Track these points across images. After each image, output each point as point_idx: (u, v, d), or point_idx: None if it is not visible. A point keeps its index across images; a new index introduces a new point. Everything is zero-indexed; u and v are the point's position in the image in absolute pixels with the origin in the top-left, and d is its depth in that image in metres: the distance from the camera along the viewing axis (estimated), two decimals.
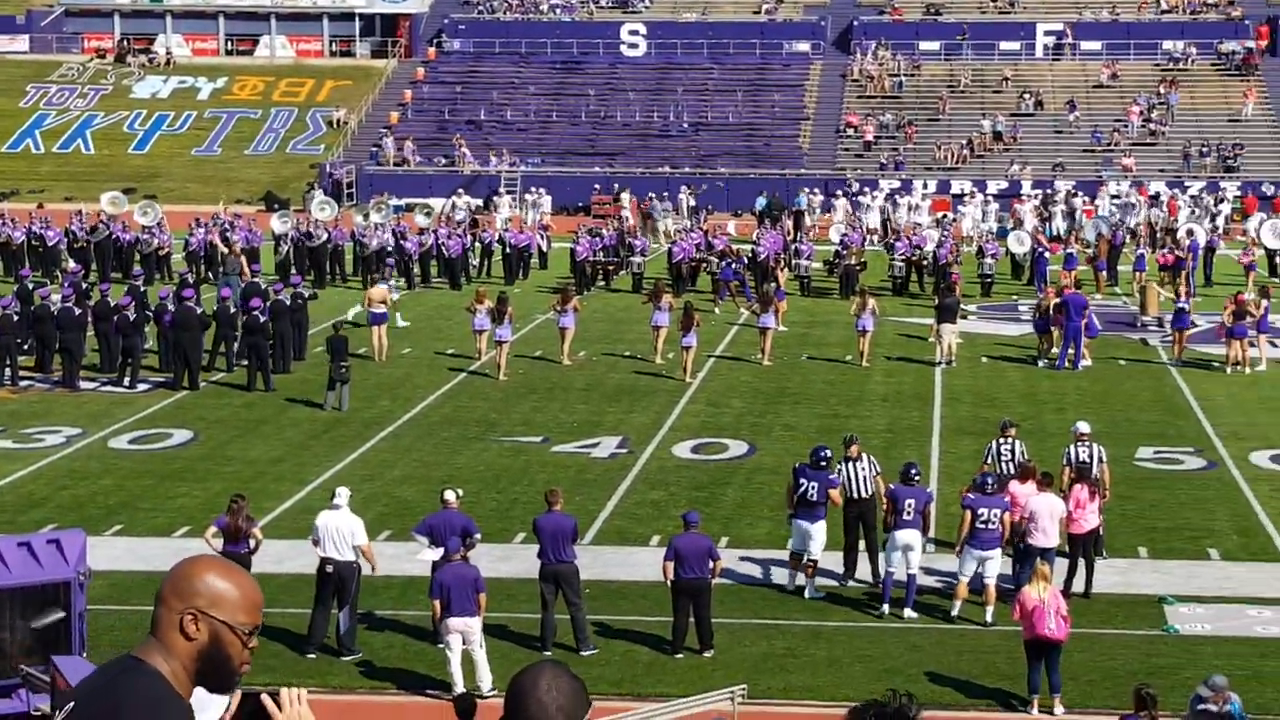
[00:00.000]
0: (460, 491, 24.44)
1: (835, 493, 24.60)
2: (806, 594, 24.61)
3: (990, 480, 24.11)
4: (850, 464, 25.35)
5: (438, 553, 22.26)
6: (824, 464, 24.76)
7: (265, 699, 5.00)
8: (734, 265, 51.83)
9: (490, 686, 20.91)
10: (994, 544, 23.51)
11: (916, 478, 24.45)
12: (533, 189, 75.54)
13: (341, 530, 22.66)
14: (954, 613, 23.76)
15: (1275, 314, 43.57)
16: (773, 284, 45.84)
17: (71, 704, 4.80)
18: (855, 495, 25.17)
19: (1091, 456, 26.51)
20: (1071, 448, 26.80)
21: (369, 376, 39.95)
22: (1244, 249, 56.27)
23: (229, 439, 34.63)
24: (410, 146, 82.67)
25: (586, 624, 22.66)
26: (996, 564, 23.63)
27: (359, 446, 33.44)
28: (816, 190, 74.84)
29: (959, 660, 22.14)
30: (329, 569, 22.58)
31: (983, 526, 23.47)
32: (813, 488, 24.45)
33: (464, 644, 21.02)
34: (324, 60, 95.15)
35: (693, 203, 72.99)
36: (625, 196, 72.65)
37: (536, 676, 4.87)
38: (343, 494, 23.38)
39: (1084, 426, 27.62)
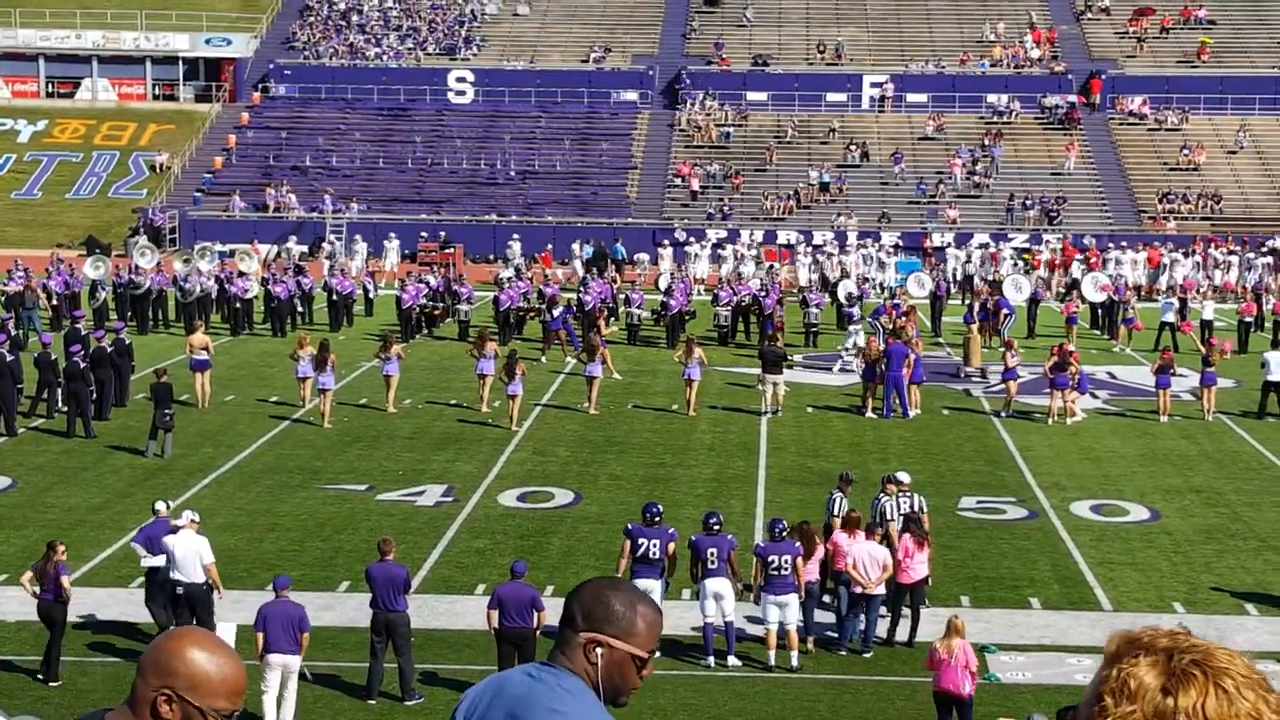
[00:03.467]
0: (171, 503, 25.63)
1: (673, 547, 24.44)
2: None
3: (779, 527, 24.29)
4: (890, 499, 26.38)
5: (160, 560, 23.57)
6: (657, 520, 24.62)
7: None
8: (564, 315, 51.80)
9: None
10: (787, 589, 23.68)
11: (717, 527, 24.44)
12: (391, 235, 75.00)
13: (188, 551, 23.25)
14: (771, 661, 23.82)
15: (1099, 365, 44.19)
16: (597, 333, 45.88)
17: None
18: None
19: (913, 505, 26.82)
20: (885, 498, 27.10)
21: (192, 423, 39.43)
22: (1067, 301, 57.12)
23: (48, 485, 33.99)
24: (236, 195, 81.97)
25: (413, 674, 22.50)
26: (794, 609, 23.81)
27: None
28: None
29: (783, 709, 22.15)
30: (179, 591, 23.17)
31: (775, 573, 23.64)
32: (653, 545, 24.28)
33: (281, 683, 21.10)
34: (147, 104, 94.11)
35: (518, 257, 72.84)
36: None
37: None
38: (186, 516, 23.99)
39: (904, 476, 27.93)
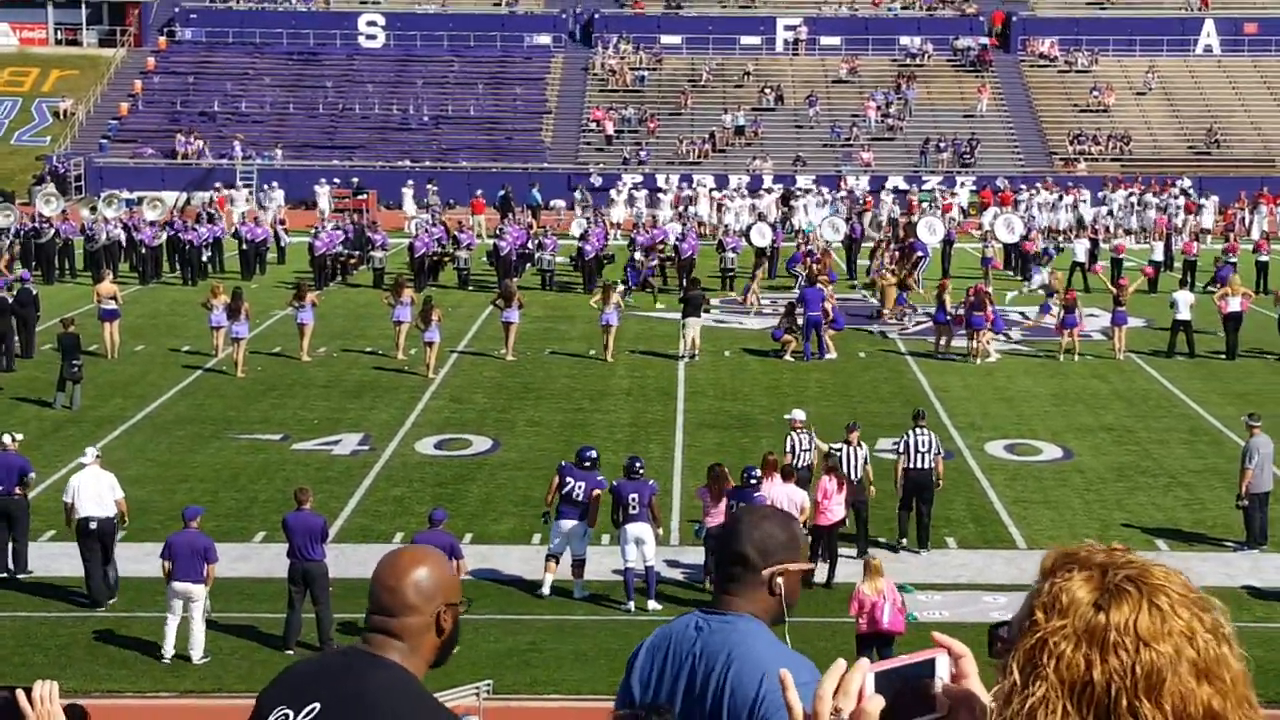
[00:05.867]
0: (19, 436, 26.04)
1: (598, 494, 24.43)
2: (576, 594, 24.41)
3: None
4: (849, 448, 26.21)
5: None
6: (589, 464, 24.65)
7: (19, 695, 4.97)
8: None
9: (202, 655, 21.77)
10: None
11: (640, 471, 24.46)
12: (321, 180, 74.33)
13: (100, 486, 23.93)
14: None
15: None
16: (515, 279, 45.64)
17: (317, 705, 4.63)
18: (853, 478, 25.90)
19: (807, 443, 27.39)
20: (791, 436, 27.36)
21: (101, 374, 38.99)
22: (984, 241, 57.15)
23: None
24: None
25: (332, 623, 22.41)
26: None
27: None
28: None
29: None
30: (92, 525, 23.64)
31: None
32: (579, 487, 24.31)
33: (184, 611, 21.75)
34: (49, 49, 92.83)
35: (435, 199, 72.41)
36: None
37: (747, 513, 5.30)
38: (90, 452, 24.82)
39: (799, 414, 28.39)
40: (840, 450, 26.32)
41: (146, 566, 23.46)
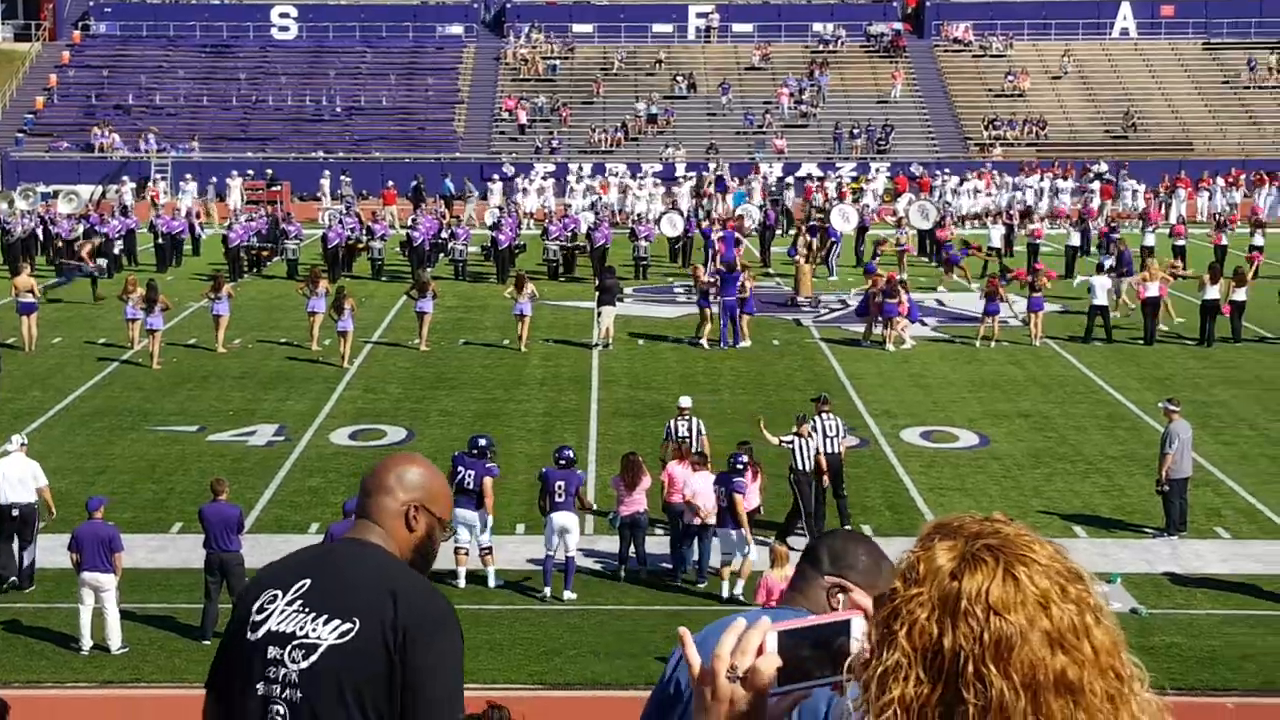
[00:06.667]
0: None
1: (489, 482, 24.63)
2: (490, 582, 24.61)
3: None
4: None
5: None
6: (478, 452, 24.84)
7: None
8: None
9: (120, 645, 22.02)
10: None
11: (565, 462, 24.69)
12: (234, 173, 73.71)
13: (23, 474, 24.51)
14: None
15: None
16: (429, 269, 45.66)
17: (307, 580, 4.76)
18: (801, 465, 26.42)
19: (691, 430, 27.85)
20: (673, 421, 28.13)
21: (18, 367, 38.92)
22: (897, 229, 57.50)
23: None
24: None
25: None
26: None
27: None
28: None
29: (619, 640, 22.38)
30: (14, 513, 24.21)
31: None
32: (469, 475, 24.51)
33: (96, 601, 22.01)
34: None
35: (349, 190, 72.20)
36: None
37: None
38: (15, 440, 25.33)
39: (685, 400, 28.90)
40: (792, 442, 26.68)
41: (63, 558, 23.56)
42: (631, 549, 25.00)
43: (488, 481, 24.59)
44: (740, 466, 24.58)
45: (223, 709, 4.79)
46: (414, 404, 36.33)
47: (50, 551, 24.75)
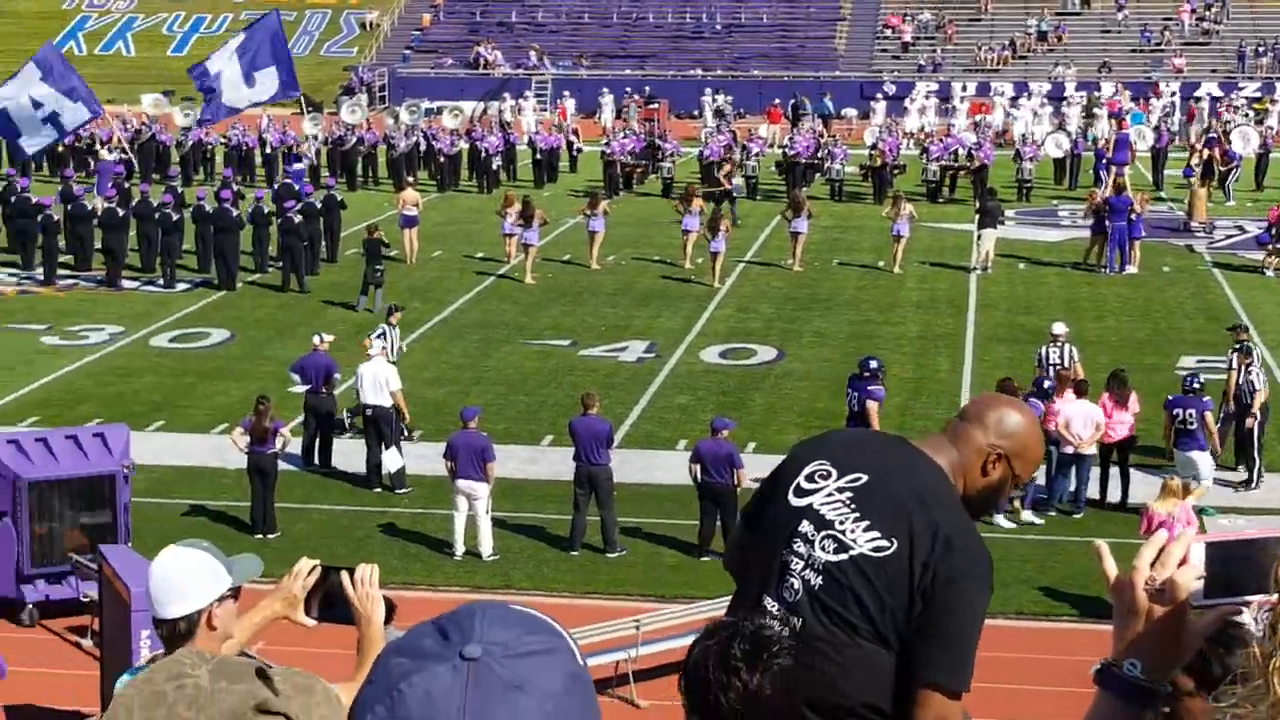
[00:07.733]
0: (329, 336, 27.39)
1: (873, 405, 24.35)
2: None
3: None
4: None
5: (305, 387, 26.26)
6: (869, 375, 24.68)
7: (344, 575, 5.39)
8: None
9: (490, 552, 22.54)
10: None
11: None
12: (604, 90, 74.05)
13: (378, 377, 25.37)
14: None
15: None
16: (804, 188, 45.39)
17: (864, 476, 4.56)
18: None
19: (1063, 357, 27.17)
20: (1044, 348, 27.56)
21: (400, 279, 39.73)
22: None
23: (265, 339, 34.74)
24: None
25: (615, 526, 22.81)
26: None
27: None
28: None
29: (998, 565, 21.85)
30: (369, 412, 25.27)
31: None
32: (853, 398, 24.37)
33: (469, 508, 22.51)
34: None
35: (724, 107, 72.06)
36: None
37: None
38: (377, 344, 26.29)
39: (1059, 327, 28.19)
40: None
41: (438, 465, 23.90)
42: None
43: (872, 405, 24.33)
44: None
45: (753, 539, 4.61)
46: (786, 324, 36.11)
47: (425, 459, 25.24)
